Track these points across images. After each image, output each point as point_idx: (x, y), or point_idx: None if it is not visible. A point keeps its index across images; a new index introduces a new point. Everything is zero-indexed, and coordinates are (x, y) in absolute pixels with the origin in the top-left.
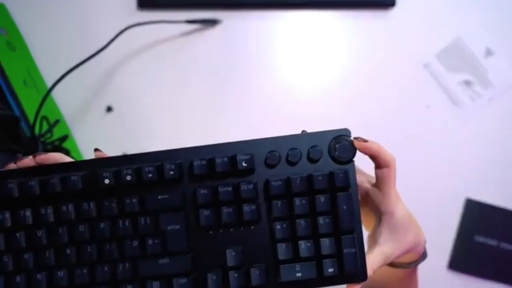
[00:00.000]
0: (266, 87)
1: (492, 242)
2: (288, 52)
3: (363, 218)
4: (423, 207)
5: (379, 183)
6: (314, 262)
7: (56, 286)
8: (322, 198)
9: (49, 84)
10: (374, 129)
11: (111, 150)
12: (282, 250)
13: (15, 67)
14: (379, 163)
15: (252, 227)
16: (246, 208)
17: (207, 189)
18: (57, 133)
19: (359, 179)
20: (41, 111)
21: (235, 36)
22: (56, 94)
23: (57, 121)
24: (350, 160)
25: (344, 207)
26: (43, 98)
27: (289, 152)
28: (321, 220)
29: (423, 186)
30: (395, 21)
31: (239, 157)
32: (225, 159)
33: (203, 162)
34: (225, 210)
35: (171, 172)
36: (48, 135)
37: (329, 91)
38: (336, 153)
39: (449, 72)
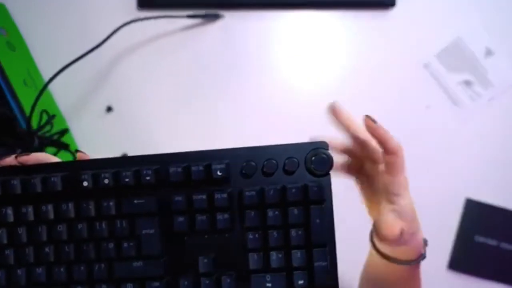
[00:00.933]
0: (266, 87)
1: (492, 242)
2: (288, 52)
3: (371, 200)
4: (423, 207)
5: (387, 168)
6: (284, 273)
7: (35, 282)
8: (295, 211)
9: (49, 84)
10: None
11: (111, 150)
12: (253, 259)
13: (15, 67)
14: (386, 149)
15: (226, 235)
16: (219, 216)
17: (182, 196)
18: (56, 129)
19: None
20: (37, 106)
21: (235, 36)
22: (56, 93)
23: (53, 116)
24: (327, 173)
25: (317, 221)
26: (39, 92)
27: (265, 162)
28: (293, 232)
29: (423, 186)
30: (395, 21)
31: (214, 166)
32: (201, 168)
33: (179, 170)
34: (199, 217)
35: (148, 178)
36: (48, 127)
37: (329, 91)
38: (312, 165)
39: (449, 72)
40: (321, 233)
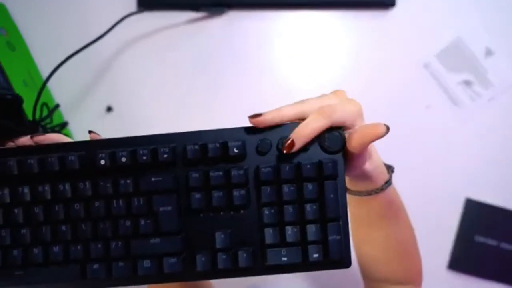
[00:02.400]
0: (266, 87)
1: (492, 242)
2: (288, 52)
3: None
4: (423, 207)
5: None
6: (300, 247)
7: (52, 261)
8: (310, 186)
9: (49, 84)
10: None
11: None
12: (269, 234)
13: (15, 67)
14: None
15: (242, 211)
16: (236, 193)
17: (199, 173)
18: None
19: None
20: (40, 98)
21: (235, 36)
22: (56, 93)
23: (57, 106)
24: (339, 151)
25: (331, 195)
26: (43, 83)
27: (280, 140)
28: (308, 207)
29: (423, 186)
30: (395, 21)
31: (230, 144)
32: (217, 145)
33: (196, 147)
34: (216, 194)
35: (165, 155)
36: (48, 120)
37: (329, 91)
38: (326, 143)
39: (449, 72)
40: (335, 207)
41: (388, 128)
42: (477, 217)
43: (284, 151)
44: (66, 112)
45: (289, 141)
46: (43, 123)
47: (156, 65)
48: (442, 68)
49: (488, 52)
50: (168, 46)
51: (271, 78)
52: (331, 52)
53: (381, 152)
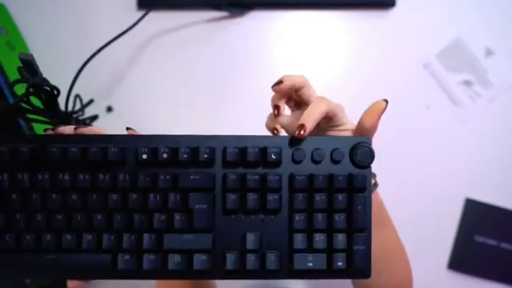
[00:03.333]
0: (266, 87)
1: (492, 242)
2: (288, 52)
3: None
4: (423, 207)
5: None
6: (325, 254)
7: (84, 248)
8: (340, 197)
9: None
10: None
11: None
12: (298, 240)
13: (15, 67)
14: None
15: (273, 216)
16: (270, 197)
17: (237, 175)
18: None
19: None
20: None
21: (235, 36)
22: None
23: (91, 101)
24: (368, 165)
25: (359, 207)
26: (75, 76)
27: (314, 151)
28: (336, 216)
29: (423, 186)
30: (395, 21)
31: (269, 150)
32: (256, 150)
33: (236, 150)
34: (251, 196)
35: (205, 155)
36: (80, 113)
37: (329, 91)
38: (357, 157)
39: (449, 72)
40: (362, 219)
41: (387, 102)
42: (477, 217)
43: (296, 134)
44: None
45: (300, 124)
46: (75, 116)
47: (155, 65)
48: (442, 68)
49: (488, 52)
50: (168, 47)
51: (271, 78)
52: (331, 52)
53: (381, 152)
